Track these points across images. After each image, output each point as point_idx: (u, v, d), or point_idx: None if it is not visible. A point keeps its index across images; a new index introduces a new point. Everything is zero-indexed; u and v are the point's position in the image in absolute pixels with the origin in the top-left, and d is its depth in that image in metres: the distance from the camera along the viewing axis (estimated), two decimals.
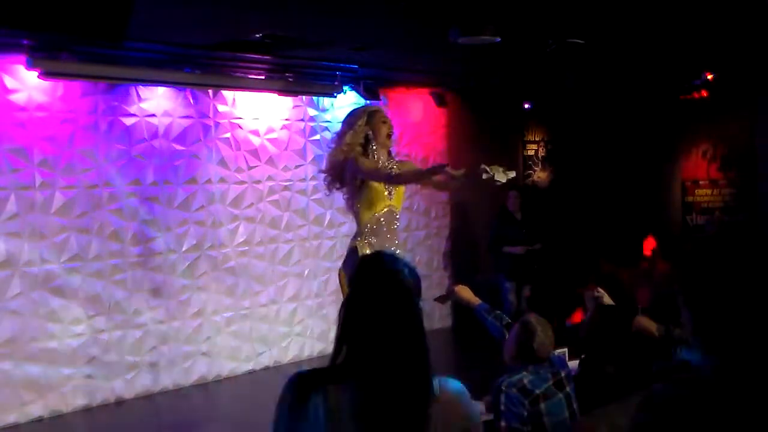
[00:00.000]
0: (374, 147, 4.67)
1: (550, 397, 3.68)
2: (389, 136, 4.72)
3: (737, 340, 1.55)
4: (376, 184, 4.65)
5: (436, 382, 1.93)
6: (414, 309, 1.93)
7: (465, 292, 4.35)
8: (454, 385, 2.00)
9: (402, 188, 4.84)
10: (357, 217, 4.75)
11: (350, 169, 4.65)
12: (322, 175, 4.89)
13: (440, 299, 4.59)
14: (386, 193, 4.70)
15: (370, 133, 4.67)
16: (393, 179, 4.61)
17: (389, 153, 4.81)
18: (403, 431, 1.85)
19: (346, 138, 4.67)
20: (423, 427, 1.85)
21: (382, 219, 4.71)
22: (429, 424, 1.86)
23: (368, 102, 7.62)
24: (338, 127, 4.97)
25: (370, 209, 4.68)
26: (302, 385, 1.90)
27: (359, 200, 4.69)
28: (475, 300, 4.28)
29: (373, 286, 1.94)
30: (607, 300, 4.17)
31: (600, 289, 4.35)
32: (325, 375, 1.91)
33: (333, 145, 4.84)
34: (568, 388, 3.79)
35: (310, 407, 1.86)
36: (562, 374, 3.80)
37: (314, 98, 8.17)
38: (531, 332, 3.75)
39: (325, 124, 8.31)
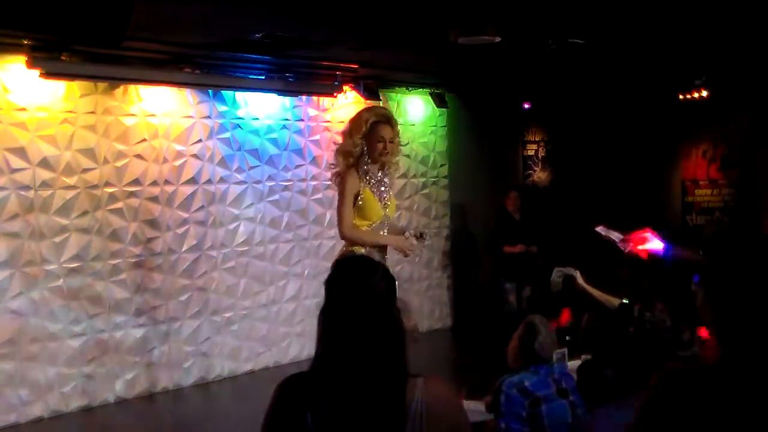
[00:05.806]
0: (368, 160, 4.73)
1: (552, 401, 3.67)
2: (382, 153, 4.75)
3: (748, 335, 1.70)
4: (371, 197, 4.73)
5: (421, 381, 1.93)
6: (385, 312, 1.94)
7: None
8: (442, 385, 2.00)
9: (394, 199, 4.98)
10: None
11: (340, 184, 4.76)
12: (332, 168, 4.99)
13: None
14: (381, 204, 4.78)
15: (365, 147, 4.72)
16: (342, 235, 4.71)
17: (383, 165, 4.84)
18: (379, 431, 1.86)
19: (347, 145, 4.75)
20: (400, 427, 1.86)
21: (375, 228, 4.78)
22: (408, 425, 1.87)
23: (376, 103, 7.60)
24: (340, 127, 5.03)
25: (365, 219, 4.75)
26: (291, 389, 1.93)
27: (354, 210, 4.75)
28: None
29: (344, 291, 1.97)
30: (580, 279, 4.09)
31: (571, 268, 4.24)
32: (311, 378, 1.93)
33: (340, 144, 4.91)
34: (572, 397, 3.78)
35: (298, 411, 1.89)
36: (564, 385, 3.79)
37: (314, 98, 8.17)
38: (534, 332, 3.75)
39: (325, 124, 8.31)
